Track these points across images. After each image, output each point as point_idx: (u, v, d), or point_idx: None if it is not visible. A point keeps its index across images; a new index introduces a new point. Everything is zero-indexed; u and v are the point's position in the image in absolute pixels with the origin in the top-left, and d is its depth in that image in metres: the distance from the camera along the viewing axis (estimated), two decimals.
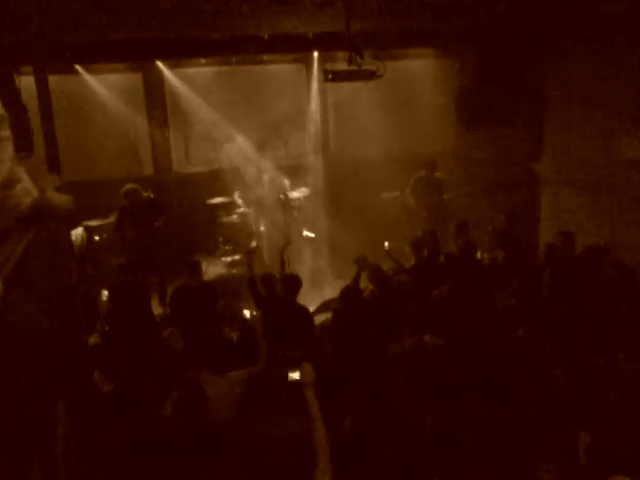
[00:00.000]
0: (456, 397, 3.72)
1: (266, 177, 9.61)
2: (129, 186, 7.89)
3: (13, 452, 1.89)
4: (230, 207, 9.56)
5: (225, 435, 3.68)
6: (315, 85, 10.00)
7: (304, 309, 5.71)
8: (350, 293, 5.51)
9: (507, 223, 7.54)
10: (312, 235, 9.46)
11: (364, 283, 6.10)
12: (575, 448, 3.19)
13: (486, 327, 4.79)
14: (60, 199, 2.12)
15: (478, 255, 6.91)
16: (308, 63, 9.93)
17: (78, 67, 8.95)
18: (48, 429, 2.22)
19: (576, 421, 3.41)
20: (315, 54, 9.38)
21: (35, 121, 6.80)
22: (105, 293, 5.49)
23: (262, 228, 9.46)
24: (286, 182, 9.52)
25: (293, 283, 5.60)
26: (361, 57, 5.89)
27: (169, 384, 4.12)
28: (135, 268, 6.22)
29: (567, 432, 3.32)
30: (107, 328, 5.32)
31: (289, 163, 10.29)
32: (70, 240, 5.57)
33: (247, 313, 5.05)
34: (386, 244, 6.84)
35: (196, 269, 6.49)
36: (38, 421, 2.15)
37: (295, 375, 3.65)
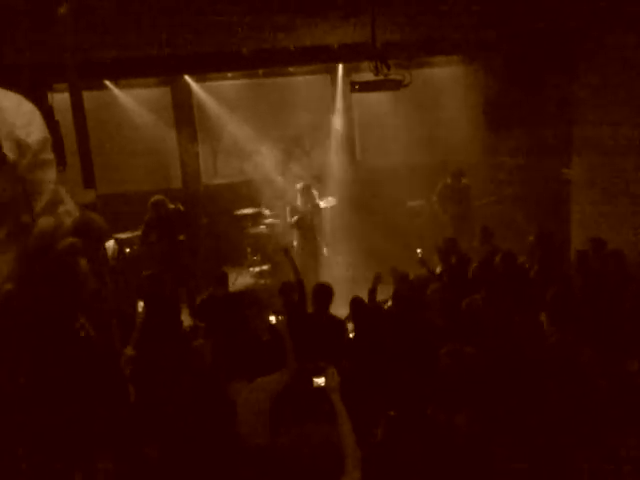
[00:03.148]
0: (488, 405, 3.69)
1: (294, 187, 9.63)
2: (156, 198, 8.02)
3: (55, 468, 1.92)
4: (258, 218, 9.62)
5: (255, 445, 3.67)
6: (341, 95, 10.04)
7: (337, 321, 5.57)
8: (355, 304, 5.44)
9: (539, 233, 7.42)
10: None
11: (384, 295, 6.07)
12: (617, 469, 3.11)
13: (519, 334, 4.74)
14: (97, 219, 2.17)
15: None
16: (333, 74, 9.98)
17: (107, 82, 9.15)
18: (88, 444, 2.25)
19: (618, 438, 3.32)
20: (341, 65, 9.41)
21: (66, 135, 6.95)
22: (141, 304, 5.53)
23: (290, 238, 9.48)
24: (314, 192, 9.53)
25: (324, 294, 5.52)
26: (387, 67, 5.88)
27: (199, 396, 4.15)
28: (161, 280, 6.23)
29: (607, 449, 3.23)
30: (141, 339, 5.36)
31: (315, 173, 10.32)
32: (105, 253, 5.65)
33: (273, 318, 5.02)
34: (419, 251, 6.75)
35: (223, 280, 6.54)
36: (77, 436, 2.17)
37: (320, 381, 3.52)
